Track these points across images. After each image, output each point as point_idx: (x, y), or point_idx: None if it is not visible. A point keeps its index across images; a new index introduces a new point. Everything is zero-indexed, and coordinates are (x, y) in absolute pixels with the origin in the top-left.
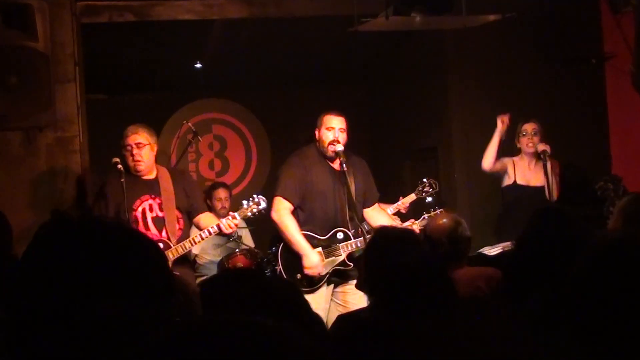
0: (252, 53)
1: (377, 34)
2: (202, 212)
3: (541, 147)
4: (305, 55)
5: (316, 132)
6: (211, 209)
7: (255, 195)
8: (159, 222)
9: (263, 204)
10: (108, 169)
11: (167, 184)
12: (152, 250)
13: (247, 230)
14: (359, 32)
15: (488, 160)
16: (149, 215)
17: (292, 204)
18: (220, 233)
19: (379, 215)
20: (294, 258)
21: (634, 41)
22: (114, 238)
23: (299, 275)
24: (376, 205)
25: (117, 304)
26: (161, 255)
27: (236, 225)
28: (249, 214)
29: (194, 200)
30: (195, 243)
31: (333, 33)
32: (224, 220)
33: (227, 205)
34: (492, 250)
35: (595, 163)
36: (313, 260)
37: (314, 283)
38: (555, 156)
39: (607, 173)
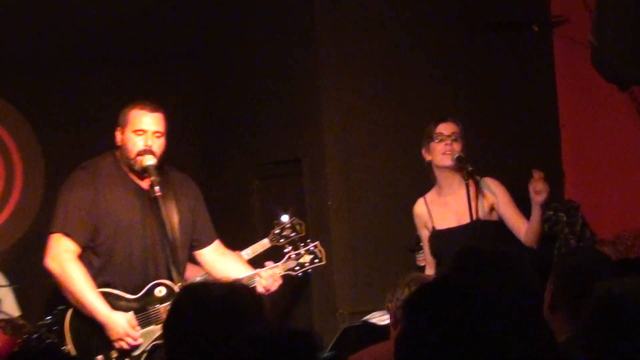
0: (17, 20)
1: None
2: None
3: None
4: (99, 20)
5: (117, 135)
6: None
7: None
8: None
9: None
10: None
11: None
12: None
13: (9, 290)
14: None
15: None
16: None
17: (79, 244)
18: None
19: (224, 259)
20: (90, 329)
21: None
22: None
23: (100, 357)
24: (216, 243)
25: None
26: None
27: None
28: None
29: None
30: None
31: None
32: None
33: None
34: (384, 317)
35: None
36: (119, 325)
37: None
38: (481, 173)
39: (557, 197)
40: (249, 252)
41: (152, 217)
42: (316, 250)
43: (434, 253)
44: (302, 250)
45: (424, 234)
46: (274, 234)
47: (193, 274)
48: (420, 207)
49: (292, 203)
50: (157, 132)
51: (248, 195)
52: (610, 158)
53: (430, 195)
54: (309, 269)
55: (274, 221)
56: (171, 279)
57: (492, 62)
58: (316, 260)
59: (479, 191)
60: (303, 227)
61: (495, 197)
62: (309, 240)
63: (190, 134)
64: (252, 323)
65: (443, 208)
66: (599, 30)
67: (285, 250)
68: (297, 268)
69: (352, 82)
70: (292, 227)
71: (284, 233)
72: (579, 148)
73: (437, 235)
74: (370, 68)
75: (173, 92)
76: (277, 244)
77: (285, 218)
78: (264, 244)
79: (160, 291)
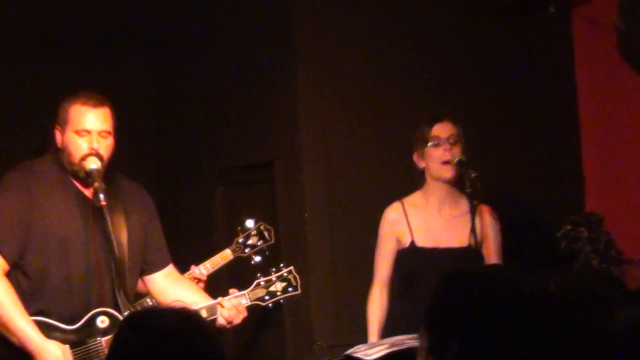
0: None
1: None
2: None
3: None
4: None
5: (57, 135)
6: None
7: None
8: None
9: None
10: None
11: None
12: None
13: None
14: None
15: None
16: None
17: (7, 260)
18: None
19: (177, 287)
20: None
21: None
22: None
23: None
24: (170, 268)
25: None
26: None
27: None
28: None
29: None
30: None
31: None
32: None
33: None
34: (371, 352)
35: (556, 190)
36: (53, 355)
37: None
38: (488, 183)
39: (577, 208)
40: (208, 266)
41: (96, 231)
42: (290, 277)
43: (409, 274)
44: (273, 277)
45: (388, 246)
46: (238, 243)
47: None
48: (395, 213)
49: (263, 214)
50: (103, 131)
51: (210, 205)
52: (639, 161)
53: (412, 201)
54: (280, 299)
55: (237, 227)
56: (117, 307)
57: (498, 49)
58: (290, 289)
59: (476, 211)
60: (272, 234)
61: (486, 236)
62: (282, 265)
63: (142, 134)
64: (211, 358)
65: (426, 222)
66: (627, 11)
67: (253, 262)
68: (267, 298)
69: (333, 72)
70: (259, 234)
71: (250, 241)
72: (602, 150)
73: (418, 254)
74: (354, 57)
75: (122, 85)
76: (242, 254)
77: (250, 223)
78: (225, 255)
79: (103, 321)
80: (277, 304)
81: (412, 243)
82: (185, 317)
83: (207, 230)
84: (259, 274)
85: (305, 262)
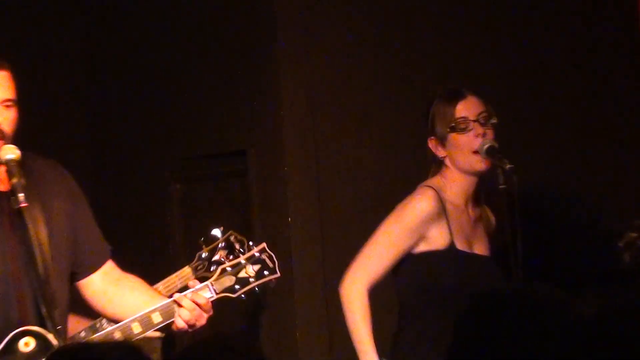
0: None
1: None
2: None
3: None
4: None
5: None
6: None
7: None
8: None
9: None
10: None
11: None
12: None
13: None
14: None
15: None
16: None
17: None
18: None
19: (120, 288)
20: None
21: None
22: None
23: None
24: (109, 265)
25: None
26: None
27: None
28: None
29: None
30: None
31: None
32: None
33: None
34: None
35: (617, 189)
36: None
37: None
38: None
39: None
40: (161, 289)
41: (12, 234)
42: (264, 256)
43: (451, 285)
44: (241, 259)
45: (406, 245)
46: (201, 258)
47: (75, 326)
48: (434, 205)
49: (232, 218)
50: (5, 100)
51: (164, 206)
52: None
53: (445, 191)
54: (255, 286)
55: (200, 239)
56: (43, 325)
57: (535, 11)
58: (265, 272)
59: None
60: (246, 247)
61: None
62: (251, 243)
63: (72, 114)
64: None
65: (459, 220)
66: None
67: (215, 259)
68: (238, 287)
69: (323, 37)
70: (229, 247)
71: (216, 257)
72: None
73: (461, 259)
74: (348, 21)
75: (44, 49)
76: (207, 274)
77: (217, 233)
78: (184, 274)
79: (27, 344)
80: (250, 293)
81: (452, 245)
82: (128, 350)
83: (160, 241)
84: (222, 258)
85: (290, 277)
